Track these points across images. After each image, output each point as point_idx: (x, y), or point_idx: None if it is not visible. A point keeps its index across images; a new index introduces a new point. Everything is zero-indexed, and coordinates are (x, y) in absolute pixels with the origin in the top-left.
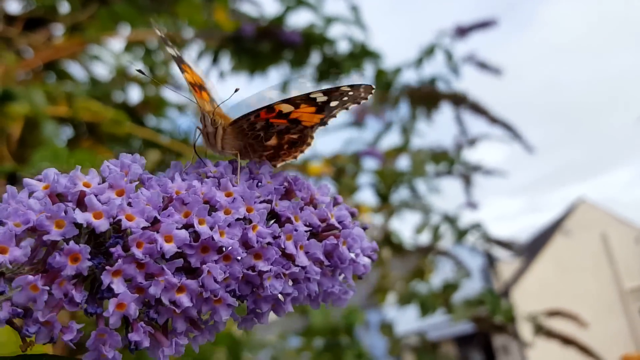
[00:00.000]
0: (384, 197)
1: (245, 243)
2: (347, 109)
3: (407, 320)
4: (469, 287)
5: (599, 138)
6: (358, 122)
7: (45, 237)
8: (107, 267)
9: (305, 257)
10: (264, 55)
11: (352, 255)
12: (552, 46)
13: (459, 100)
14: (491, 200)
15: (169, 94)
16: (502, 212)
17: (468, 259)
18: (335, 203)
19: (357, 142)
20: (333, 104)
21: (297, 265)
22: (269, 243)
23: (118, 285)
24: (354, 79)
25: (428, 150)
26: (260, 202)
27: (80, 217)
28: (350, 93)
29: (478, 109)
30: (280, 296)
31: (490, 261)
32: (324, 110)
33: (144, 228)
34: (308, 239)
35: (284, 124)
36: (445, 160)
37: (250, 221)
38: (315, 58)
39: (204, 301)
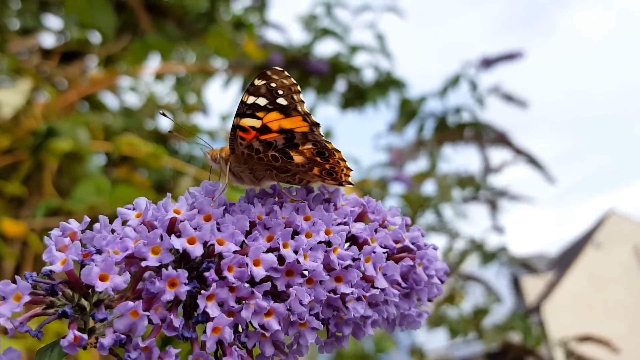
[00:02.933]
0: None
1: (327, 266)
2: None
3: (436, 339)
4: (498, 304)
5: (627, 147)
6: (394, 163)
7: (143, 264)
8: (203, 291)
9: (384, 280)
10: None
11: (427, 277)
12: (575, 55)
13: (483, 133)
14: (520, 212)
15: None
16: (531, 223)
17: (496, 276)
18: (406, 225)
19: (384, 167)
20: (281, 101)
21: (377, 288)
22: (349, 265)
23: (212, 309)
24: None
25: (454, 175)
26: (337, 225)
27: (177, 243)
28: (275, 77)
29: (503, 141)
30: (360, 319)
31: (516, 283)
32: (288, 110)
33: (234, 252)
34: (385, 261)
35: (276, 137)
36: (472, 186)
37: (330, 244)
38: (340, 85)
39: (290, 325)
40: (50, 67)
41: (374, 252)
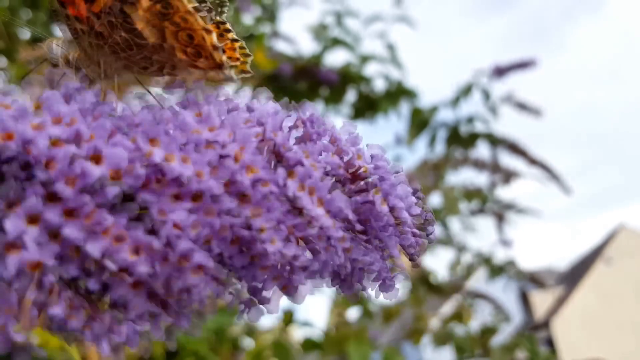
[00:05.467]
0: None
1: (235, 190)
2: None
3: (443, 357)
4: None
5: (637, 162)
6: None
7: None
8: (17, 209)
9: (328, 217)
10: (301, 93)
11: (389, 208)
12: (584, 69)
13: (496, 142)
14: (528, 226)
15: None
16: (539, 238)
17: (504, 290)
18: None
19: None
20: None
21: (315, 227)
22: (271, 193)
23: (17, 224)
24: None
25: (461, 187)
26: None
27: None
28: None
29: (517, 150)
30: (290, 267)
31: (525, 298)
32: None
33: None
34: (330, 192)
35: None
36: (479, 198)
37: (238, 154)
38: (351, 95)
39: (177, 270)
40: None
41: (310, 177)
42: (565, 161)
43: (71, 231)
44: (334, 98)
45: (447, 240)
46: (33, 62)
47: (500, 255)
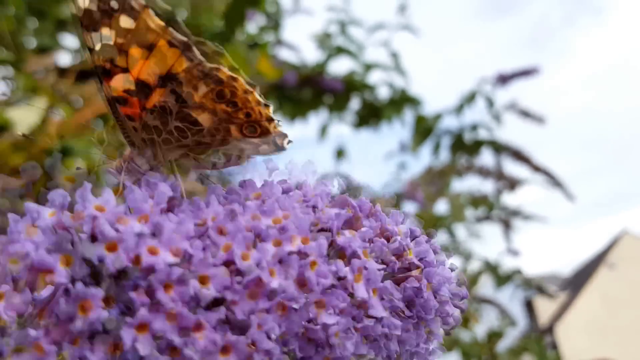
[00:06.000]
0: None
1: (302, 284)
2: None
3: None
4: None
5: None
6: (409, 196)
7: (48, 279)
8: (128, 319)
9: (381, 306)
10: (305, 102)
11: (439, 303)
12: (587, 75)
13: (500, 149)
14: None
15: None
16: (543, 243)
17: (509, 295)
18: (413, 236)
19: (397, 185)
20: (124, 21)
21: (371, 317)
22: (333, 286)
23: (144, 345)
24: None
25: (467, 194)
26: (318, 231)
27: (89, 249)
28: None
29: (520, 157)
30: (352, 358)
31: (529, 304)
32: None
33: (172, 265)
34: (382, 281)
35: (161, 94)
36: (485, 205)
37: (307, 255)
38: (355, 103)
39: None
40: (65, 85)
41: (366, 268)
42: (568, 166)
43: (175, 337)
44: (338, 106)
45: (454, 248)
46: (39, 71)
47: (506, 264)
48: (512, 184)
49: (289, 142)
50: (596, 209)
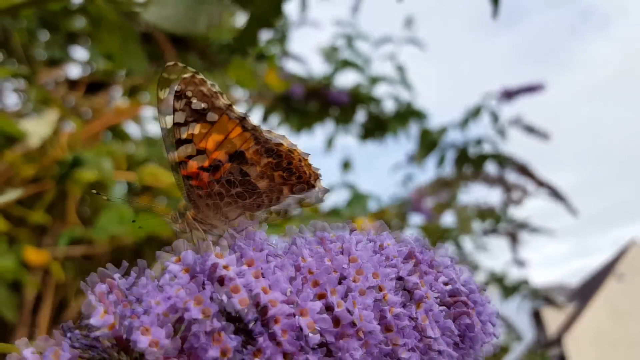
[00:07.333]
0: None
1: (387, 328)
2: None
3: None
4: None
5: None
6: (415, 207)
7: (186, 315)
8: (249, 347)
9: (444, 342)
10: (311, 114)
11: (481, 322)
12: (592, 86)
13: (505, 163)
14: (539, 243)
15: None
16: (550, 255)
17: (516, 307)
18: (465, 282)
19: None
20: (196, 104)
21: (435, 350)
22: (400, 313)
23: None
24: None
25: (474, 206)
26: (385, 267)
27: (221, 292)
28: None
29: (524, 172)
30: None
31: (537, 315)
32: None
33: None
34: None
35: (229, 167)
36: (492, 218)
37: (381, 289)
38: (360, 116)
39: None
40: (76, 97)
41: (432, 310)
42: (574, 178)
43: None
44: (344, 118)
45: (461, 260)
46: (50, 83)
47: (513, 275)
48: (519, 196)
49: (327, 192)
50: (604, 220)
